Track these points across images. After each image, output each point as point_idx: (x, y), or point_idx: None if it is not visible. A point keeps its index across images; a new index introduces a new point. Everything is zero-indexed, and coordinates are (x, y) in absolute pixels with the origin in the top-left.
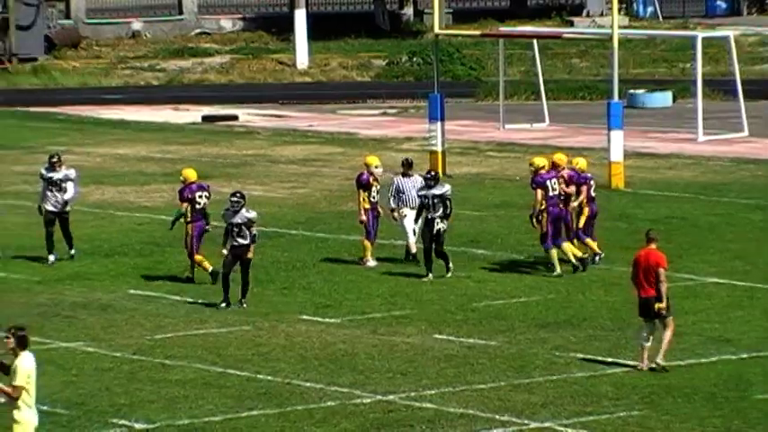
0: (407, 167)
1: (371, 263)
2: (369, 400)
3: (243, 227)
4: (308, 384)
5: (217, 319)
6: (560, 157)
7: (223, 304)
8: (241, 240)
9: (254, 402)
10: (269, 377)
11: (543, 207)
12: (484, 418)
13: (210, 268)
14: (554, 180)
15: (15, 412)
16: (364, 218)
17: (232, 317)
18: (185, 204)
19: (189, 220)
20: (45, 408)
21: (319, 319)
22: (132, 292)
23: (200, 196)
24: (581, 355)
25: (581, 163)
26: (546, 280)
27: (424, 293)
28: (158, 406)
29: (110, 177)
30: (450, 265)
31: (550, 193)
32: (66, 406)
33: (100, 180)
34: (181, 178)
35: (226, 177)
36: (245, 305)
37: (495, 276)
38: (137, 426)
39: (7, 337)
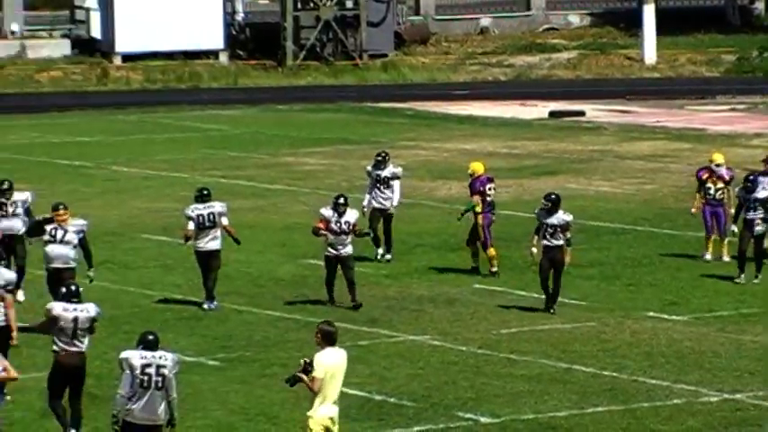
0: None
1: (707, 256)
2: (715, 399)
3: (558, 229)
4: (653, 381)
5: (562, 315)
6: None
7: (551, 311)
8: (555, 242)
9: (599, 399)
10: (614, 374)
11: None
12: None
13: (495, 269)
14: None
15: (315, 404)
16: (694, 210)
17: (577, 313)
18: (476, 197)
19: (479, 211)
20: (392, 400)
21: (666, 317)
22: (477, 286)
23: (490, 188)
24: None
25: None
26: None
27: None
28: (503, 400)
29: (456, 173)
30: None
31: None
32: (412, 398)
33: (446, 175)
34: (469, 171)
35: (572, 173)
36: (553, 311)
37: None
38: (482, 420)
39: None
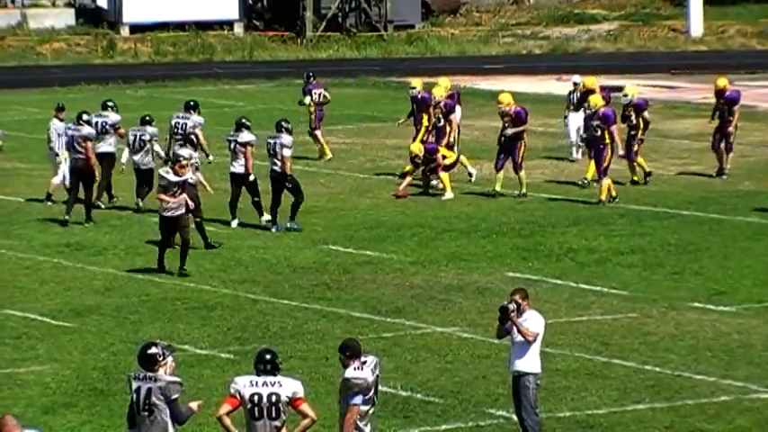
0: None
1: None
2: (765, 396)
3: None
4: (699, 377)
5: (601, 305)
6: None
7: None
8: None
9: (641, 395)
10: (657, 368)
11: None
12: None
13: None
14: None
15: None
16: None
17: (618, 303)
18: None
19: None
20: (418, 396)
21: (712, 307)
22: (511, 274)
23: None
24: None
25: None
26: None
27: None
28: (539, 396)
29: (488, 152)
30: None
31: None
32: (440, 394)
33: (478, 155)
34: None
35: None
36: None
37: None
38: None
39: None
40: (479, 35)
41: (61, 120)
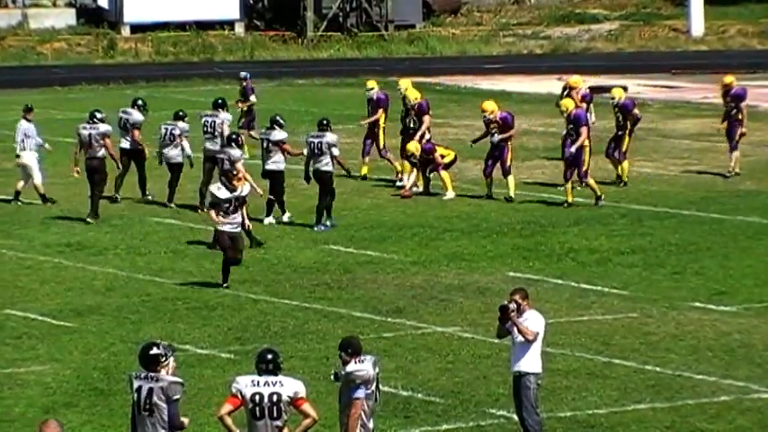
0: None
1: None
2: (766, 396)
3: None
4: (700, 377)
5: (602, 305)
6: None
7: None
8: None
9: (642, 395)
10: (657, 368)
11: None
12: None
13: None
14: None
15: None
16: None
17: (618, 303)
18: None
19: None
20: (419, 396)
21: (713, 307)
22: (512, 274)
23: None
24: None
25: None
26: None
27: None
28: (540, 396)
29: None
30: None
31: None
32: (441, 394)
33: (478, 155)
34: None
35: None
36: None
37: None
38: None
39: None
40: (480, 35)
41: (29, 120)
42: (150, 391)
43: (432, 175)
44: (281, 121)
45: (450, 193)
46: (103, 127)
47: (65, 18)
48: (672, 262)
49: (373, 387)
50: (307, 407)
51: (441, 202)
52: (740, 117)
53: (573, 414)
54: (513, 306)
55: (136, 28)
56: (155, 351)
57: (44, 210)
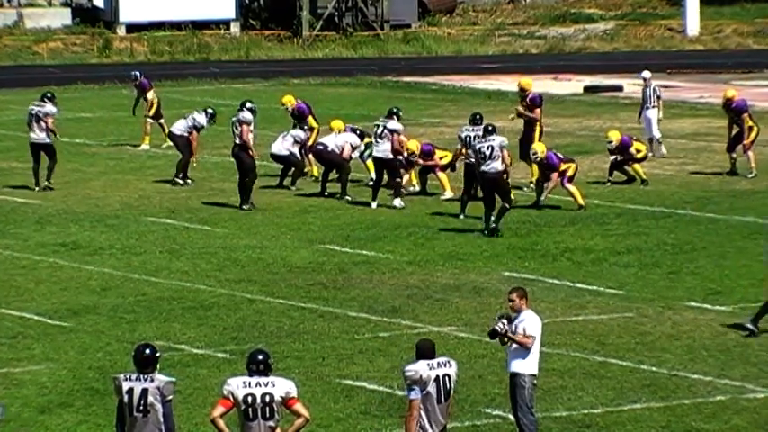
0: None
1: None
2: (762, 395)
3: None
4: (695, 376)
5: (597, 304)
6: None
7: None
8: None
9: (637, 395)
10: (653, 368)
11: None
12: None
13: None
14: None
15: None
16: None
17: (614, 302)
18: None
19: None
20: None
21: (709, 307)
22: (507, 274)
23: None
24: None
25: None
26: None
27: None
28: (535, 396)
29: None
30: None
31: None
32: None
33: None
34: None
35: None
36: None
37: None
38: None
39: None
40: (476, 35)
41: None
42: (145, 391)
43: (429, 176)
44: (399, 113)
45: (449, 193)
46: (49, 107)
47: (60, 18)
48: (667, 261)
49: (429, 388)
50: (299, 406)
51: (436, 201)
52: (743, 127)
53: (568, 414)
54: (501, 326)
55: (131, 27)
56: (152, 352)
57: (40, 209)
